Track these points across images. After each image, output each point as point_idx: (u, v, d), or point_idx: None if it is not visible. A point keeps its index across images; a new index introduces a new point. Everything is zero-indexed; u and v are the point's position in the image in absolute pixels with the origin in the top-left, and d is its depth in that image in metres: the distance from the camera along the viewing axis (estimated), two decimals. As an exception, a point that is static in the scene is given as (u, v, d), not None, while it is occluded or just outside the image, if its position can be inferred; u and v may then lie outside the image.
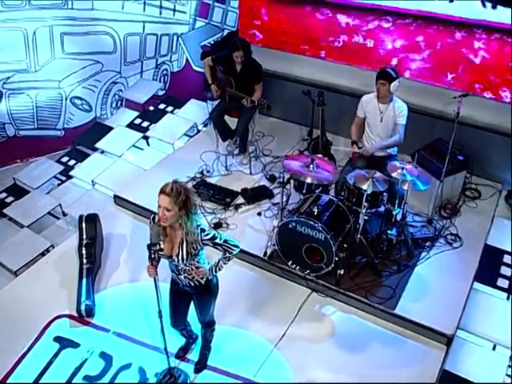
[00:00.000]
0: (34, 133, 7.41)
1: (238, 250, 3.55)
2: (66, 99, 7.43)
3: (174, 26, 7.98)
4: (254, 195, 5.85)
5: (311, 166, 4.73)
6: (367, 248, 4.85)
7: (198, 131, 7.28)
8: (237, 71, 5.77)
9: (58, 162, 6.97)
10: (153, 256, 3.42)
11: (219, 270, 3.59)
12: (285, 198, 4.96)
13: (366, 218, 4.71)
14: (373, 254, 4.89)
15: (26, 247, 5.38)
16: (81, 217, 5.15)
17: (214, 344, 4.26)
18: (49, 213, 6.07)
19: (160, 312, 3.65)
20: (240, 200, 5.84)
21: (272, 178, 6.10)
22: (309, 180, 4.66)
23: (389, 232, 5.08)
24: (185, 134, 7.21)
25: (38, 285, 4.92)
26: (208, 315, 3.93)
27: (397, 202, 4.79)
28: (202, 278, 3.61)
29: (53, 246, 5.43)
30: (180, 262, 3.43)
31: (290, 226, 4.73)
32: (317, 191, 4.93)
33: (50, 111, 7.41)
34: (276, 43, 7.02)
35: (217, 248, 3.48)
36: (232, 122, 6.33)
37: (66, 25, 7.02)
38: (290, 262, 4.92)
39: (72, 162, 6.95)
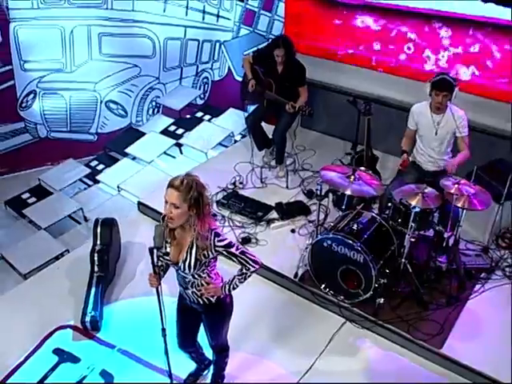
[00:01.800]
0: (66, 135, 7.16)
1: (256, 267, 3.01)
2: (101, 103, 7.16)
3: (217, 32, 7.65)
4: (289, 211, 5.33)
5: (352, 177, 4.18)
6: (412, 275, 4.23)
7: (235, 141, 6.85)
8: (278, 72, 5.32)
9: (86, 165, 6.65)
10: (156, 262, 2.93)
11: (233, 288, 3.06)
12: (322, 216, 4.44)
13: (413, 239, 4.11)
14: (418, 282, 4.26)
15: (39, 250, 5.02)
16: (96, 220, 4.75)
17: (229, 373, 3.71)
18: (70, 217, 5.73)
19: (164, 330, 3.13)
20: (273, 215, 5.33)
21: (310, 194, 5.57)
22: (348, 192, 4.12)
23: (438, 259, 4.44)
24: (220, 144, 6.80)
25: (45, 291, 4.54)
26: (219, 339, 3.39)
27: (449, 224, 4.17)
28: (212, 296, 3.10)
29: (68, 251, 5.05)
30: (187, 270, 2.93)
31: (325, 244, 4.18)
32: (358, 208, 4.39)
33: (83, 114, 7.14)
34: (321, 51, 6.55)
35: (232, 260, 2.98)
36: (270, 130, 5.87)
37: (105, 25, 6.77)
38: (323, 286, 4.35)
39: (100, 167, 6.62)
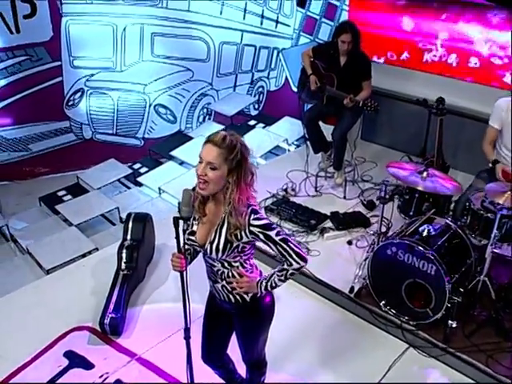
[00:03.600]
0: (111, 138, 6.82)
1: (301, 264, 2.40)
2: (150, 106, 6.80)
3: (275, 39, 7.23)
4: (346, 221, 4.69)
5: (425, 173, 3.53)
6: (492, 297, 3.50)
7: (288, 150, 6.32)
8: (340, 65, 4.77)
9: (129, 167, 6.25)
10: (184, 240, 2.37)
11: (271, 287, 2.45)
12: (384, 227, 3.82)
13: (496, 250, 3.38)
14: (499, 306, 3.52)
15: (67, 246, 4.59)
16: (129, 214, 4.27)
17: (265, 395, 3.06)
18: (105, 217, 5.29)
19: (187, 331, 2.54)
20: (328, 224, 4.71)
21: (370, 205, 4.93)
22: (421, 188, 3.46)
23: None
24: (272, 153, 6.28)
25: (66, 288, 4.08)
26: (255, 350, 2.74)
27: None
28: (246, 293, 2.50)
29: (97, 249, 4.57)
30: (214, 254, 2.35)
31: (389, 251, 3.51)
32: (429, 213, 3.72)
33: (131, 117, 6.80)
34: (387, 56, 5.98)
35: (271, 248, 2.38)
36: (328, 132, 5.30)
37: (158, 25, 6.46)
38: (383, 303, 3.67)
39: (143, 170, 6.20)
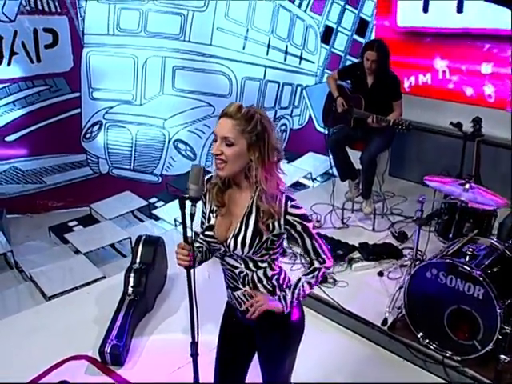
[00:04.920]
0: (128, 174, 6.57)
1: (329, 265, 2.11)
2: (169, 141, 6.59)
3: (299, 75, 7.05)
4: (376, 251, 4.29)
5: (467, 184, 3.16)
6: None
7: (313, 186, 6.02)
8: (368, 86, 4.51)
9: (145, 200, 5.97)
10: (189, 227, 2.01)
11: (300, 296, 2.09)
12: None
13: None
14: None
15: (72, 274, 4.25)
16: (139, 237, 3.93)
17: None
18: (116, 249, 4.96)
19: (194, 345, 2.14)
20: (356, 255, 4.31)
21: (401, 236, 4.53)
22: (463, 198, 3.07)
23: None
24: (295, 188, 5.96)
25: (67, 315, 3.74)
26: (280, 376, 2.29)
27: None
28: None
29: (104, 278, 4.22)
30: (239, 249, 1.99)
31: (429, 274, 3.10)
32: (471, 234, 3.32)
33: (149, 152, 6.57)
34: (417, 88, 5.71)
35: (303, 243, 2.04)
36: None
37: (180, 58, 6.33)
38: (422, 335, 3.21)
39: (159, 204, 5.92)
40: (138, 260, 3.75)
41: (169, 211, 5.53)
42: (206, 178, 2.11)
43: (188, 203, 1.99)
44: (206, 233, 2.08)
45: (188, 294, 2.10)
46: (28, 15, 5.50)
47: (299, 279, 2.10)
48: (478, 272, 2.89)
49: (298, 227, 1.98)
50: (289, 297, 2.08)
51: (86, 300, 3.88)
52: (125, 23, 5.96)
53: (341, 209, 5.00)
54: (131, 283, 3.60)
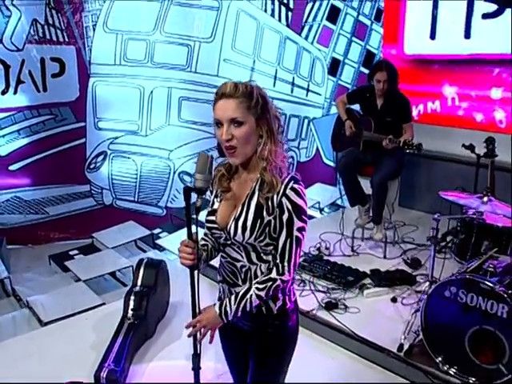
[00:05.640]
0: (132, 206, 6.45)
1: (286, 277, 1.87)
2: (174, 173, 6.49)
3: (306, 107, 7.01)
4: (388, 278, 4.10)
5: (485, 198, 3.01)
6: None
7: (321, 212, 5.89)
8: (377, 108, 4.42)
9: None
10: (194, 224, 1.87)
11: (245, 309, 1.89)
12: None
13: None
14: None
15: (70, 300, 4.07)
16: (141, 260, 3.77)
17: None
18: (116, 279, 4.78)
19: (196, 357, 1.98)
20: (367, 282, 4.13)
21: (415, 263, 4.35)
22: (483, 209, 2.92)
23: None
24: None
25: (64, 340, 3.58)
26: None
27: None
28: (273, 302, 1.93)
29: (104, 304, 4.03)
30: (240, 234, 1.85)
31: (448, 292, 2.91)
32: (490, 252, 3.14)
33: (154, 184, 6.47)
34: (426, 117, 5.63)
35: (273, 240, 1.86)
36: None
37: (186, 89, 6.31)
38: (440, 360, 2.99)
39: (164, 234, 5.77)
40: (139, 283, 3.58)
41: (173, 241, 5.37)
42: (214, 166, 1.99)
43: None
44: (208, 218, 1.94)
45: (191, 299, 1.95)
46: (36, 44, 5.52)
47: (249, 288, 1.88)
48: (502, 288, 2.70)
49: (285, 216, 1.81)
50: (232, 309, 1.88)
51: (83, 326, 3.70)
52: (131, 53, 5.97)
53: (350, 237, 4.84)
54: (131, 306, 3.42)
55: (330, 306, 3.74)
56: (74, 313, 3.88)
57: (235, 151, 1.82)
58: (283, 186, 1.79)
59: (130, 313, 3.39)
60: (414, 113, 5.58)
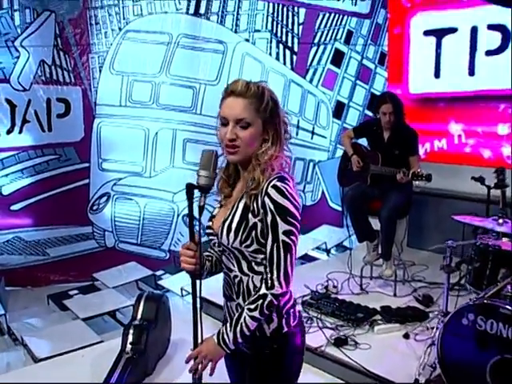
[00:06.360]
0: (134, 249, 6.32)
1: (279, 292, 1.72)
2: (178, 216, 6.40)
3: (312, 150, 6.98)
4: (400, 314, 3.93)
5: (500, 220, 2.90)
6: None
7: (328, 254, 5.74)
8: (384, 140, 4.37)
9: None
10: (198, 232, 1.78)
11: (244, 333, 1.75)
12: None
13: None
14: None
15: (67, 337, 3.91)
16: (141, 293, 3.63)
17: None
18: (116, 320, 4.60)
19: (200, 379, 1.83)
20: (378, 318, 3.95)
21: (426, 300, 4.18)
22: (499, 229, 2.80)
23: None
24: (306, 261, 5.67)
25: (57, 377, 3.33)
26: None
27: None
28: (267, 323, 1.79)
29: (102, 342, 3.85)
30: (225, 236, 1.76)
31: (465, 320, 2.75)
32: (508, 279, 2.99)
33: (157, 226, 6.37)
34: (433, 155, 5.58)
35: (261, 247, 1.75)
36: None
37: (191, 131, 6.32)
38: (460, 395, 2.79)
39: (166, 276, 5.62)
40: (138, 316, 3.42)
41: (175, 282, 5.22)
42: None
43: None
44: (207, 224, 1.84)
45: (192, 310, 1.82)
46: (43, 85, 5.59)
47: (241, 312, 1.74)
48: (522, 312, 2.55)
49: (269, 218, 1.69)
50: (230, 336, 1.75)
51: (79, 362, 3.50)
52: (137, 95, 6.02)
53: (359, 276, 4.68)
54: (130, 340, 3.25)
55: (340, 343, 3.55)
56: (70, 350, 3.68)
57: (236, 151, 1.74)
58: (266, 184, 1.70)
59: (129, 347, 3.21)
60: (421, 151, 5.54)
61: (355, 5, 6.28)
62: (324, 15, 6.31)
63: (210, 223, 1.87)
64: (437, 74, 5.21)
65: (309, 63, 6.55)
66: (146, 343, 3.29)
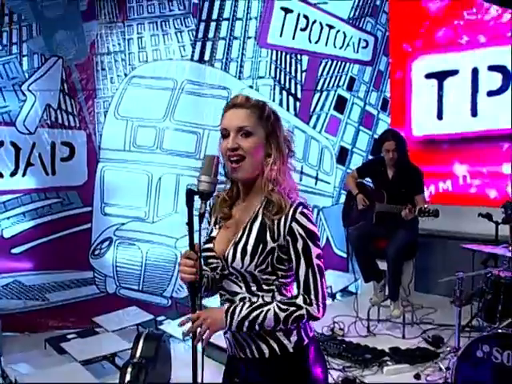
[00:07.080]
0: (136, 295, 6.19)
1: (316, 314, 1.67)
2: (181, 263, 6.29)
3: (315, 196, 6.94)
4: (409, 355, 3.78)
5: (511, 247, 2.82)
6: None
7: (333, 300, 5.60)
8: (389, 178, 4.34)
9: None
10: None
11: (254, 324, 1.66)
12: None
13: None
14: None
15: (62, 378, 3.72)
16: (140, 332, 3.51)
17: None
18: (115, 365, 4.42)
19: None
20: (386, 359, 3.81)
21: (436, 341, 4.04)
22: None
23: None
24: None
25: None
26: None
27: None
28: (287, 338, 1.71)
29: (99, 385, 3.70)
30: (238, 258, 1.68)
31: (480, 352, 2.65)
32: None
33: (159, 272, 6.25)
34: (438, 197, 5.54)
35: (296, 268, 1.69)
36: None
37: (195, 176, 6.27)
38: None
39: (167, 321, 5.47)
40: (137, 354, 3.29)
41: (177, 327, 5.06)
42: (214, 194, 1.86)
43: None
44: (205, 246, 1.76)
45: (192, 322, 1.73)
46: (48, 128, 5.64)
47: (269, 302, 1.67)
48: (539, 342, 2.42)
49: (299, 244, 1.65)
50: (242, 314, 1.66)
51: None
52: (141, 140, 6.05)
53: (366, 319, 4.55)
54: (128, 378, 3.11)
55: (348, 383, 3.39)
56: (66, 392, 3.53)
57: (241, 164, 1.69)
58: (292, 210, 1.66)
59: (126, 385, 3.07)
60: (426, 194, 5.50)
61: (357, 52, 6.41)
62: (326, 62, 6.43)
63: (210, 245, 1.78)
64: (439, 116, 5.25)
65: (312, 109, 6.62)
66: (145, 383, 3.14)
